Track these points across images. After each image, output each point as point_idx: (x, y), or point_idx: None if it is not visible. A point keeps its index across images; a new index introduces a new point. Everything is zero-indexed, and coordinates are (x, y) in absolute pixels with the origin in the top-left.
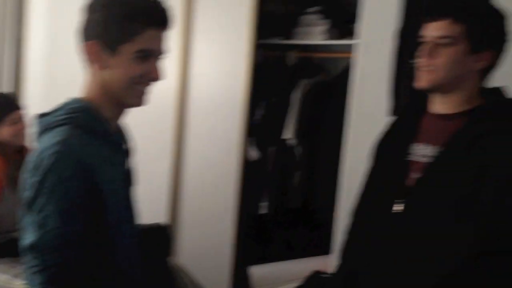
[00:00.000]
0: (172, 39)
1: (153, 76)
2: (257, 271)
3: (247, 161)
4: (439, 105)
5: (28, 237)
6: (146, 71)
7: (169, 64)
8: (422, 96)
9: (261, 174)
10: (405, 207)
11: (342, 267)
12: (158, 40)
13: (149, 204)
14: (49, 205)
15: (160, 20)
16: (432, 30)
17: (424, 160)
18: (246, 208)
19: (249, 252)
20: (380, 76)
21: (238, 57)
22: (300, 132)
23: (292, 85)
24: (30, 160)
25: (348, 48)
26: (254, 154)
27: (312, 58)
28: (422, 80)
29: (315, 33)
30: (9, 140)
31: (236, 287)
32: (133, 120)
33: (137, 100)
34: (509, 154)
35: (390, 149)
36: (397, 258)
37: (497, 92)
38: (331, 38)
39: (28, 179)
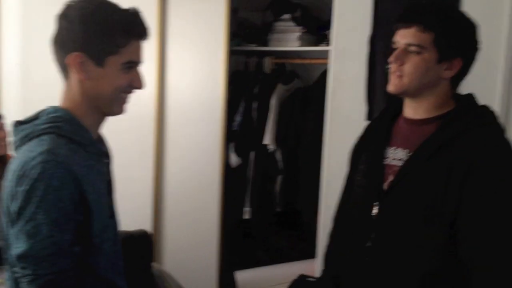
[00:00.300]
0: (148, 48)
1: (137, 85)
2: (242, 276)
3: (228, 167)
4: (411, 110)
5: (18, 247)
6: (131, 81)
7: (146, 72)
8: (398, 101)
9: (242, 180)
10: (379, 210)
11: (326, 271)
12: (140, 51)
13: (132, 211)
14: (39, 214)
15: (141, 31)
16: (402, 37)
17: (398, 164)
18: (230, 214)
19: (234, 257)
20: (355, 81)
21: (214, 64)
22: (280, 137)
23: (269, 91)
24: (12, 169)
25: (323, 55)
26: (234, 159)
27: (287, 64)
28: (391, 85)
29: (289, 40)
30: None
31: None
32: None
33: (121, 108)
34: (472, 154)
35: (366, 153)
36: (376, 262)
37: (469, 98)
38: (306, 44)
39: (10, 188)
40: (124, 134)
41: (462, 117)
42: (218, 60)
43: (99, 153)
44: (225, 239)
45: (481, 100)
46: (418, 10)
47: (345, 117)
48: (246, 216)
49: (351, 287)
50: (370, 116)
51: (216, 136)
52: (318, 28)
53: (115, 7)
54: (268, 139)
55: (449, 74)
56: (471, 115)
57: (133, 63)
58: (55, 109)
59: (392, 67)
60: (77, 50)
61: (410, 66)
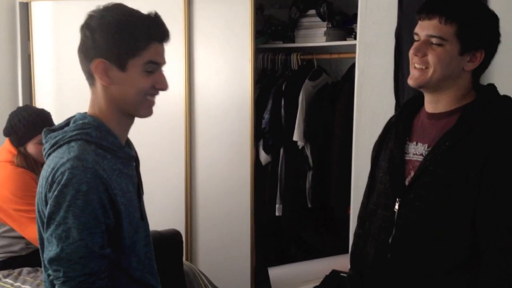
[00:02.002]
0: (175, 49)
1: (162, 86)
2: (276, 273)
3: (259, 164)
4: (431, 104)
5: (50, 250)
6: (155, 82)
7: (174, 73)
8: (418, 96)
9: (273, 177)
10: (400, 206)
11: (354, 269)
12: (162, 53)
13: (164, 212)
14: (69, 218)
15: (162, 33)
16: (424, 28)
17: (419, 159)
18: (262, 211)
19: (267, 254)
20: (382, 75)
21: (241, 62)
22: (309, 133)
23: (297, 88)
24: (44, 175)
25: (350, 49)
26: (264, 157)
27: (315, 60)
28: (412, 78)
29: (316, 35)
30: (36, 157)
31: None
32: (144, 130)
33: (148, 111)
34: (489, 146)
35: (386, 150)
36: (397, 259)
37: (490, 89)
38: (333, 39)
39: (42, 194)
40: (155, 135)
41: (482, 108)
42: (245, 58)
43: (127, 157)
44: (258, 236)
45: (503, 92)
46: (440, 1)
47: (373, 111)
48: (278, 213)
49: (374, 285)
50: (398, 109)
51: (246, 134)
52: (344, 22)
53: (134, 12)
54: (297, 136)
55: (471, 66)
56: (490, 107)
57: (155, 64)
58: (83, 116)
59: (414, 59)
60: (99, 57)
61: (433, 57)
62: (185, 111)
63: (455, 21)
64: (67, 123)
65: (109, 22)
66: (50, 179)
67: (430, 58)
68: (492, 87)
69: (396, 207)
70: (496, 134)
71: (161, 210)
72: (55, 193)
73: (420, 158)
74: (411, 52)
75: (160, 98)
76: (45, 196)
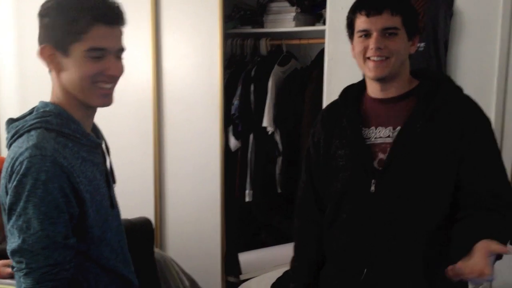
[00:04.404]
0: (142, 34)
1: (111, 73)
2: (246, 258)
3: (228, 150)
4: (383, 91)
5: (13, 242)
6: (102, 69)
7: (141, 59)
8: (353, 85)
9: (243, 163)
10: (377, 186)
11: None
12: (111, 37)
13: (133, 199)
14: (29, 208)
15: (107, 16)
16: (377, 23)
17: (387, 140)
18: (232, 197)
19: (237, 240)
20: (351, 60)
21: (210, 48)
22: (278, 119)
23: (266, 73)
24: (5, 166)
25: (320, 34)
26: (234, 143)
27: (284, 45)
28: (375, 71)
29: (285, 21)
30: None
31: (228, 274)
32: (112, 117)
33: (101, 99)
34: (463, 117)
35: (340, 139)
36: (377, 236)
37: (426, 71)
38: (302, 24)
39: (3, 185)
40: (123, 122)
41: (439, 89)
42: (214, 43)
43: (92, 145)
44: (228, 222)
45: (478, 99)
46: None
47: None
48: (248, 198)
49: (355, 261)
50: None
51: (215, 120)
52: (313, 7)
53: None
54: (266, 121)
55: (413, 49)
56: (446, 87)
57: (99, 50)
58: (45, 104)
59: (376, 53)
60: (45, 42)
61: (394, 46)
62: (153, 98)
63: (399, 12)
64: (30, 112)
65: (52, 6)
66: (10, 169)
67: (392, 47)
68: (427, 70)
69: (373, 188)
70: (464, 108)
71: (130, 198)
72: (14, 183)
73: (388, 140)
74: (371, 47)
75: (127, 84)
76: (5, 187)
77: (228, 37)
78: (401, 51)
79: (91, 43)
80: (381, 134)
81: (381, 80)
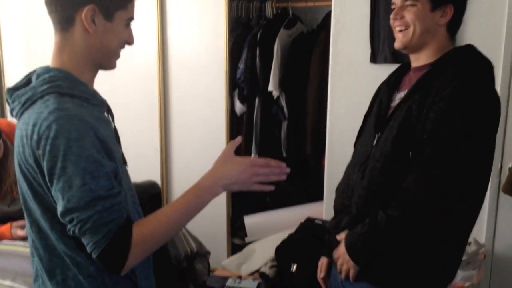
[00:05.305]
0: (147, 0)
1: (131, 40)
2: (251, 221)
3: (234, 114)
4: (415, 61)
5: (60, 206)
6: (129, 36)
7: (146, 25)
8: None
9: (248, 127)
10: (378, 140)
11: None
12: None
13: (140, 163)
14: (67, 168)
15: None
16: None
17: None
18: None
19: (243, 202)
20: (358, 24)
21: (215, 11)
22: (284, 83)
23: (272, 37)
24: (22, 135)
25: None
26: (239, 107)
27: (290, 8)
28: (397, 41)
29: None
30: None
31: (234, 236)
32: (119, 84)
33: (115, 63)
34: (438, 92)
35: (380, 98)
36: (369, 183)
37: (466, 45)
38: None
39: (24, 153)
40: (129, 88)
41: (451, 57)
42: (219, 6)
43: (101, 104)
44: None
45: None
46: None
47: (348, 60)
48: None
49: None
50: (373, 58)
51: (220, 84)
52: None
53: None
54: (272, 85)
55: (443, 20)
56: (458, 56)
57: (133, 19)
58: (46, 69)
59: (395, 23)
60: (91, 3)
61: (410, 16)
62: (158, 62)
63: None
64: (28, 79)
65: None
66: (35, 136)
67: (408, 17)
68: (469, 45)
69: (375, 142)
70: (451, 92)
71: (137, 162)
72: (47, 147)
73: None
74: (391, 18)
75: (133, 50)
76: (30, 154)
77: (233, 0)
78: (418, 21)
79: (131, 13)
80: (400, 97)
81: (406, 49)
